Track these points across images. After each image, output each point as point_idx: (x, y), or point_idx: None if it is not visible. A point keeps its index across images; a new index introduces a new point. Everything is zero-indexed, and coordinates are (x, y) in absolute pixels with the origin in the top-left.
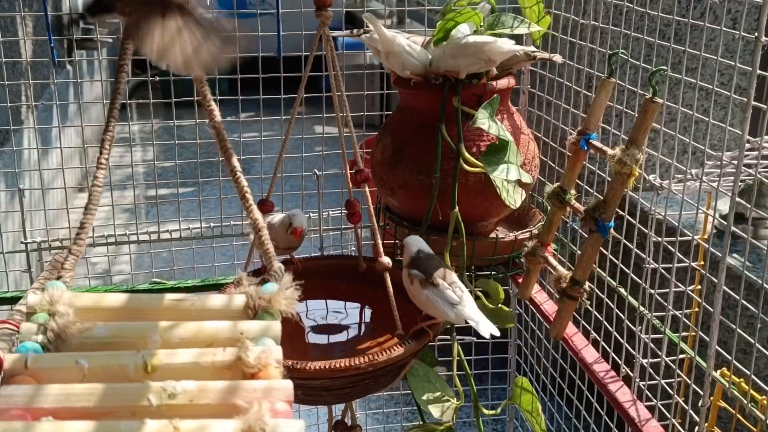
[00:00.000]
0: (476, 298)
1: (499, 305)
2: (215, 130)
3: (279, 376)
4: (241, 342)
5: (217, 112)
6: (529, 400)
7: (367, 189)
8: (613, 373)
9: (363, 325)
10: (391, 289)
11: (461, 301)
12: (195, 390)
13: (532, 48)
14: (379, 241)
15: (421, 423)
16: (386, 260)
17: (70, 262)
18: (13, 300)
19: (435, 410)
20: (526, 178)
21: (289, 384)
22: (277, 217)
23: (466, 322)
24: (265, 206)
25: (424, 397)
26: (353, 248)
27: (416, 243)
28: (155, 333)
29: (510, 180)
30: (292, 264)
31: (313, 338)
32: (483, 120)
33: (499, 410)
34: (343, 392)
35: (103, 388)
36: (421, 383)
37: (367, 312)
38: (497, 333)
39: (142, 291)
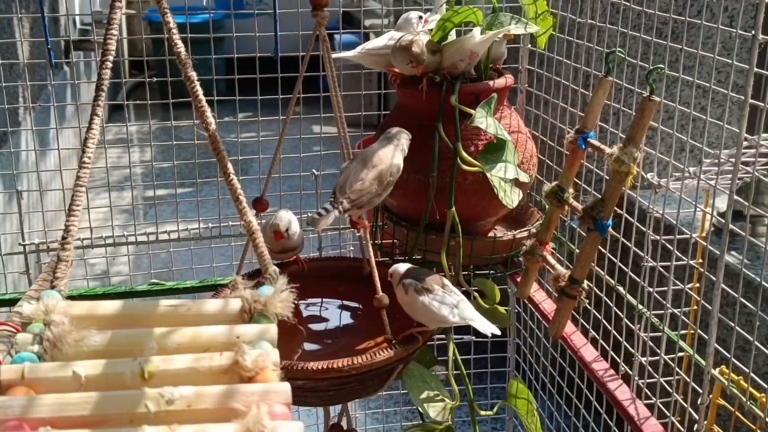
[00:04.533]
0: (472, 299)
1: (495, 305)
2: (206, 131)
3: (276, 379)
4: (237, 346)
5: (209, 113)
6: (524, 404)
7: None
8: (612, 371)
9: (360, 328)
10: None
11: (458, 304)
12: (192, 395)
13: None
14: (377, 277)
15: (420, 422)
16: (384, 298)
17: (62, 270)
18: (12, 302)
19: (431, 410)
20: (524, 177)
21: (287, 386)
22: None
23: (468, 330)
24: (260, 204)
25: (420, 397)
26: (351, 248)
27: (404, 266)
28: (151, 339)
29: (507, 179)
30: (297, 264)
31: (309, 339)
32: (481, 119)
33: (494, 411)
34: (328, 395)
35: (100, 396)
36: (416, 383)
37: (366, 315)
38: (497, 331)
39: (141, 292)
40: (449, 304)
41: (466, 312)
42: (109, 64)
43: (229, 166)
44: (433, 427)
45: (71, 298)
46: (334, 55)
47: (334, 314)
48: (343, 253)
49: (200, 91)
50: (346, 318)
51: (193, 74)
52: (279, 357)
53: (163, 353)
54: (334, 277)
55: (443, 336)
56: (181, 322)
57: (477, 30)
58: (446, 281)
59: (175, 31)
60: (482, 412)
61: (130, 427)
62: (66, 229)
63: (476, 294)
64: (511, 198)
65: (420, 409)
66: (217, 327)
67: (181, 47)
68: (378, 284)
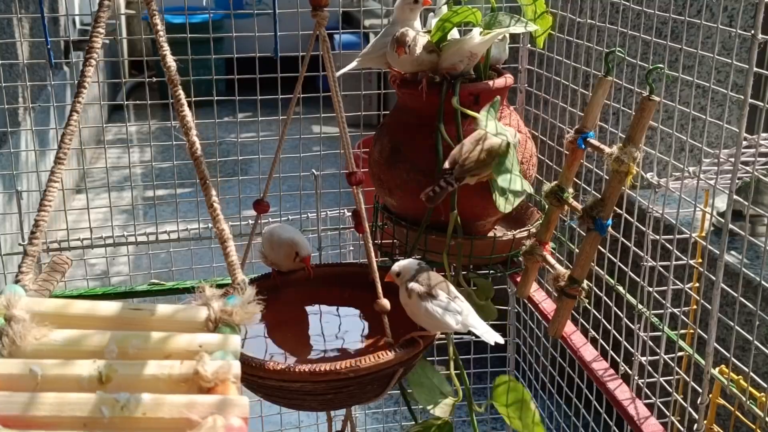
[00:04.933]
0: (467, 295)
1: (488, 300)
2: (186, 136)
3: (236, 392)
4: (199, 355)
5: (189, 118)
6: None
7: (359, 192)
8: (611, 371)
9: (363, 334)
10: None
11: (462, 312)
12: (150, 402)
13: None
14: (378, 282)
15: (421, 420)
16: (385, 303)
17: (27, 264)
18: None
19: (430, 407)
20: (528, 188)
21: (245, 400)
22: (275, 235)
23: (470, 332)
24: (261, 206)
25: (421, 395)
26: (351, 248)
27: (409, 263)
28: (113, 342)
29: (513, 189)
30: (304, 270)
31: (312, 343)
32: (488, 123)
33: (482, 408)
34: (326, 398)
35: (55, 398)
36: (419, 380)
37: (371, 321)
38: (501, 341)
39: (141, 292)
40: (453, 311)
41: (470, 320)
42: (93, 62)
43: (206, 171)
44: (432, 423)
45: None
46: (336, 74)
47: (339, 320)
48: (343, 254)
49: (182, 95)
50: (351, 323)
51: (177, 78)
52: (240, 369)
53: (124, 357)
54: (340, 283)
55: (443, 336)
56: (145, 327)
57: (476, 30)
58: (451, 287)
59: (162, 33)
60: (479, 410)
61: (84, 430)
62: (35, 224)
63: (471, 291)
64: (511, 204)
65: (421, 405)
66: (181, 334)
67: (167, 50)
68: (380, 289)
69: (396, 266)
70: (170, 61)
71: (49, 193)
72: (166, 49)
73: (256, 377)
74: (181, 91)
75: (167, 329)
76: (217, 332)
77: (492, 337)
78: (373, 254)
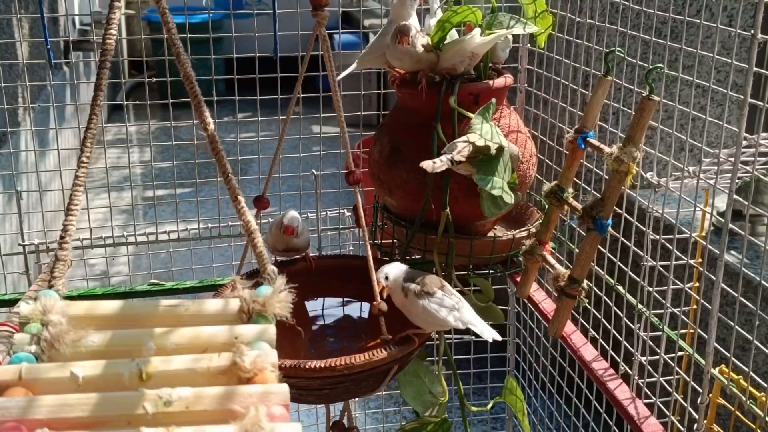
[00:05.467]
0: (468, 298)
1: (490, 303)
2: (205, 131)
3: (275, 380)
4: (236, 347)
5: (208, 113)
6: (516, 402)
7: (358, 191)
8: (611, 371)
9: (364, 328)
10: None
11: (459, 308)
12: (191, 396)
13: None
14: (376, 284)
15: (417, 418)
16: (382, 305)
17: (59, 269)
18: (11, 302)
19: (419, 407)
20: (508, 198)
21: (285, 388)
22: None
23: (467, 330)
24: (261, 203)
25: (408, 393)
26: (351, 248)
27: (397, 267)
28: (149, 340)
29: (495, 194)
30: (306, 262)
31: (313, 337)
32: (477, 126)
33: (489, 407)
34: (322, 393)
35: (98, 398)
36: (409, 378)
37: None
38: (498, 337)
39: (140, 292)
40: (449, 307)
41: (467, 316)
42: (108, 64)
43: (228, 166)
44: (429, 421)
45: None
46: (338, 78)
47: (340, 313)
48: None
49: (199, 91)
50: (352, 317)
51: (192, 74)
52: (277, 358)
53: (162, 354)
54: (344, 275)
55: (436, 335)
56: (180, 323)
57: (477, 31)
58: (445, 283)
59: (174, 31)
60: (473, 409)
61: (128, 428)
62: (64, 229)
63: (469, 293)
64: (499, 208)
65: (408, 403)
66: (216, 327)
67: (180, 47)
68: (377, 290)
69: (381, 272)
70: (185, 58)
71: (75, 197)
72: (180, 46)
73: None
74: (197, 88)
75: (202, 323)
76: (252, 323)
77: (490, 334)
78: (371, 257)
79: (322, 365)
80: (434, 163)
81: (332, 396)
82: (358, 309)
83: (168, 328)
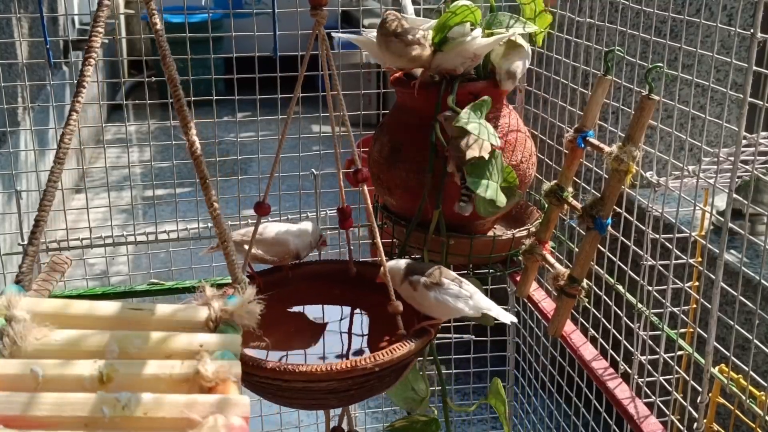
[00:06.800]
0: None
1: None
2: (185, 136)
3: (237, 391)
4: (200, 355)
5: (189, 117)
6: (498, 403)
7: (365, 189)
8: (611, 370)
9: (360, 329)
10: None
11: (472, 295)
12: (150, 402)
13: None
14: (390, 285)
15: (406, 415)
16: (398, 305)
17: (27, 264)
18: None
19: (401, 403)
20: (501, 202)
21: (246, 400)
22: (295, 226)
23: (467, 330)
24: (262, 209)
25: (393, 390)
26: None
27: (401, 261)
28: (113, 342)
29: (490, 196)
30: (281, 271)
31: (311, 342)
32: (470, 123)
33: (473, 409)
34: (348, 394)
35: (56, 398)
36: None
37: (363, 315)
38: (514, 319)
39: (140, 292)
40: (463, 296)
41: (482, 302)
42: (93, 62)
43: (206, 171)
44: (417, 420)
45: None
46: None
47: (329, 317)
48: (342, 253)
49: (182, 95)
50: (342, 320)
51: (177, 77)
52: (240, 369)
53: (125, 357)
54: (325, 280)
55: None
56: (146, 327)
57: (478, 31)
58: (454, 274)
59: (161, 33)
60: (456, 408)
61: (85, 430)
62: (35, 223)
63: None
64: (496, 208)
65: (392, 399)
66: (181, 334)
67: (167, 49)
68: (392, 290)
69: (385, 268)
70: (170, 60)
71: (49, 193)
72: (166, 48)
73: (279, 381)
74: (180, 91)
75: (168, 329)
76: (218, 332)
77: (507, 317)
78: (383, 254)
79: (355, 365)
80: (463, 202)
81: (356, 396)
82: (347, 311)
83: (133, 331)
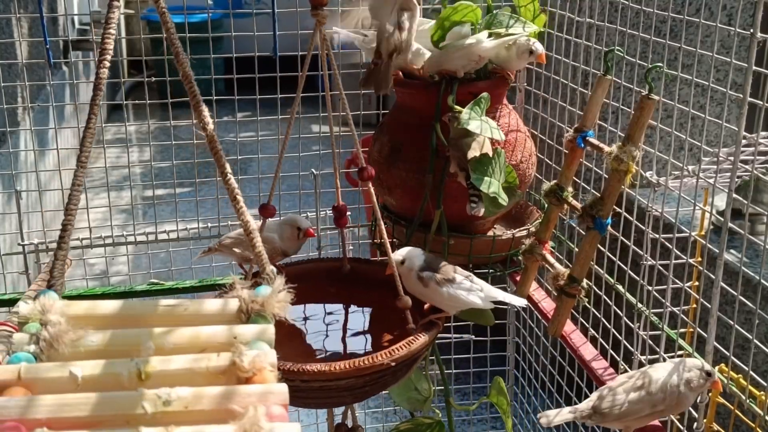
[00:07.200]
0: None
1: None
2: (204, 131)
3: (274, 380)
4: (235, 346)
5: (207, 113)
6: (501, 401)
7: (371, 187)
8: (611, 370)
9: (359, 326)
10: (401, 288)
11: (482, 287)
12: (190, 396)
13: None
14: (399, 281)
15: (409, 416)
16: (408, 299)
17: (59, 269)
18: (11, 302)
19: (404, 403)
20: (503, 200)
21: (284, 387)
22: (272, 224)
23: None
24: (267, 211)
25: (396, 390)
26: (350, 248)
27: (414, 251)
28: (148, 340)
29: (491, 194)
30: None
31: (315, 342)
32: (473, 121)
33: (474, 407)
34: (363, 390)
35: (97, 397)
36: None
37: (360, 313)
38: (525, 302)
39: (140, 292)
40: (475, 290)
41: (492, 292)
42: (107, 63)
43: (227, 166)
44: (422, 422)
45: (70, 298)
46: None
47: (328, 315)
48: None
49: (198, 91)
50: (342, 318)
51: (191, 74)
52: (276, 358)
53: (161, 354)
54: (319, 278)
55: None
56: (179, 322)
57: (484, 33)
58: (460, 269)
59: (173, 30)
60: (457, 407)
61: (127, 428)
62: (63, 228)
63: None
64: (497, 207)
65: (394, 399)
66: (215, 327)
67: (179, 47)
68: (400, 287)
69: (398, 255)
70: (184, 57)
71: (74, 197)
72: (179, 45)
73: (297, 382)
74: (196, 87)
75: (200, 323)
76: (250, 323)
77: (518, 301)
78: (391, 252)
79: (371, 361)
80: (474, 204)
81: (371, 392)
82: (343, 310)
83: (167, 327)
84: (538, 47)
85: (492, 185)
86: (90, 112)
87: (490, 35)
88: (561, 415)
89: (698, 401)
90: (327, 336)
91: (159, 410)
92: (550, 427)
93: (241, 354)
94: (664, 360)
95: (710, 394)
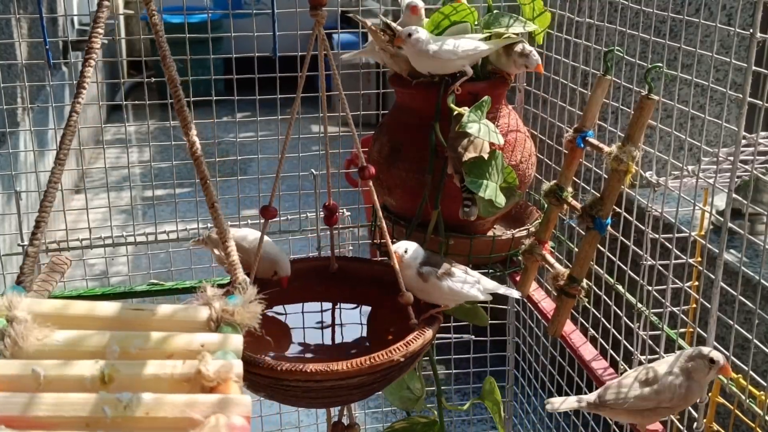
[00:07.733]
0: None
1: (475, 304)
2: (186, 137)
3: (238, 391)
4: (201, 355)
5: (189, 118)
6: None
7: (372, 186)
8: (611, 370)
9: (355, 323)
10: (403, 286)
11: (479, 279)
12: (152, 402)
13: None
14: (400, 276)
15: (405, 416)
16: (410, 295)
17: (29, 266)
18: None
19: (396, 401)
20: (501, 201)
21: (247, 399)
22: (255, 246)
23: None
24: (268, 212)
25: (389, 388)
26: (350, 248)
27: (414, 246)
28: (114, 343)
29: (489, 196)
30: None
31: (316, 341)
32: (472, 124)
33: (465, 408)
34: (371, 387)
35: (58, 398)
36: None
37: (350, 311)
38: (518, 294)
39: (140, 292)
40: (473, 283)
41: (489, 284)
42: (93, 63)
43: (206, 171)
44: (417, 421)
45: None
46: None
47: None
48: (342, 253)
49: (182, 95)
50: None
51: (177, 77)
52: (242, 369)
53: (126, 357)
54: (307, 277)
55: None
56: (147, 327)
57: (479, 36)
58: (454, 262)
59: (161, 33)
60: (448, 407)
61: (86, 430)
62: (36, 224)
63: None
64: (496, 208)
65: (387, 398)
66: (182, 334)
67: (167, 50)
68: (402, 283)
69: (401, 245)
70: (170, 60)
71: (50, 194)
72: (166, 48)
73: (310, 383)
74: (180, 91)
75: (169, 329)
76: (219, 332)
77: (516, 293)
78: (392, 249)
79: (382, 358)
80: (467, 207)
81: (377, 388)
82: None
83: (134, 331)
84: (533, 60)
85: (488, 188)
86: (72, 110)
87: (489, 36)
88: (567, 402)
89: (698, 401)
90: (323, 335)
91: (119, 414)
92: (554, 413)
93: (207, 363)
94: None
95: (710, 394)
